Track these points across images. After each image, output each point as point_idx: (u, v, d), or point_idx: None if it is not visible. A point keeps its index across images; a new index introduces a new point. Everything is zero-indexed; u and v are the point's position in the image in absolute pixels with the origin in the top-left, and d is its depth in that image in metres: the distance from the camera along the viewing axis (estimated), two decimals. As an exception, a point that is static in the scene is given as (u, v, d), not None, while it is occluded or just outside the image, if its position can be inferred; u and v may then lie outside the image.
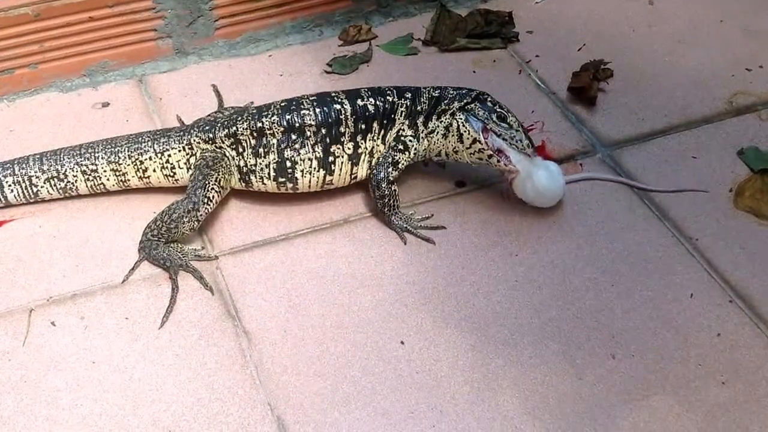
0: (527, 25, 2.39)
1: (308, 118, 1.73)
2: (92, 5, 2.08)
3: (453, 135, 1.76)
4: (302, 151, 1.75)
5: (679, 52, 2.29)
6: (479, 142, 1.73)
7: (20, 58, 2.09)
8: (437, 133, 1.77)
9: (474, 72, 2.23)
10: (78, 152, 1.79)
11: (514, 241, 1.77)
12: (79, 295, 1.66)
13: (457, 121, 1.74)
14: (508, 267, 1.72)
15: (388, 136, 1.78)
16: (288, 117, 1.73)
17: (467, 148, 1.75)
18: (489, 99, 1.77)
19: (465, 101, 1.75)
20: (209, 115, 1.98)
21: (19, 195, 1.80)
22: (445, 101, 1.77)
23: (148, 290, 1.67)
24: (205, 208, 1.72)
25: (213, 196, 1.73)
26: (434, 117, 1.77)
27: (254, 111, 1.76)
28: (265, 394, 1.50)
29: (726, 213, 1.83)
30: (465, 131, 1.74)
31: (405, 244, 1.76)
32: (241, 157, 1.76)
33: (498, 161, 1.73)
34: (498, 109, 1.74)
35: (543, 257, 1.74)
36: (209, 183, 1.72)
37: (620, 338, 1.59)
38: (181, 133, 1.78)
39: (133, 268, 1.69)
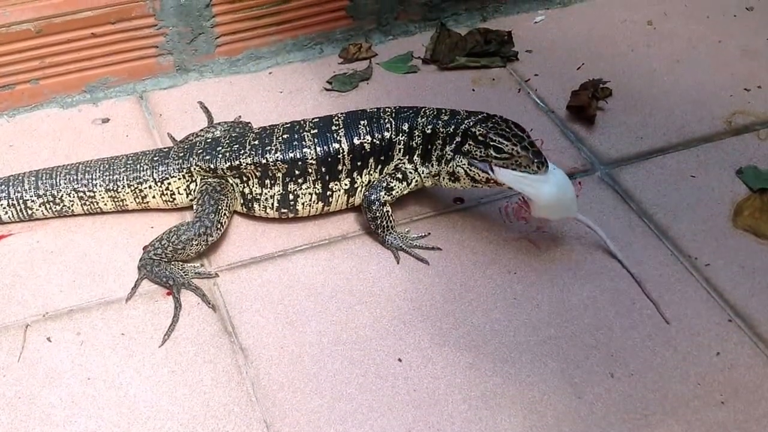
0: (526, 44, 2.40)
1: (310, 157, 1.74)
2: (94, 22, 2.09)
3: (464, 179, 1.73)
4: (304, 186, 1.77)
5: (677, 72, 2.30)
6: (493, 181, 1.69)
7: (21, 74, 2.10)
8: (443, 178, 1.76)
9: (473, 90, 2.24)
10: (75, 177, 1.78)
11: (512, 258, 1.77)
12: (75, 310, 1.66)
13: (462, 168, 1.71)
14: (506, 284, 1.72)
15: (385, 170, 1.79)
16: (291, 155, 1.74)
17: (485, 185, 1.72)
18: (479, 132, 1.67)
19: (456, 142, 1.71)
20: (200, 133, 1.98)
21: (13, 216, 1.81)
22: (439, 142, 1.73)
23: (145, 306, 1.66)
24: (217, 233, 1.73)
25: (225, 222, 1.75)
26: (434, 160, 1.76)
27: (256, 142, 1.76)
28: (261, 411, 1.49)
29: (725, 232, 1.83)
30: (475, 174, 1.70)
31: (398, 263, 1.76)
32: (245, 185, 1.77)
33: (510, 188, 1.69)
34: (492, 142, 1.65)
35: (541, 275, 1.73)
36: (221, 208, 1.73)
37: (619, 357, 1.58)
38: (180, 160, 1.78)
39: (134, 287, 1.69)
